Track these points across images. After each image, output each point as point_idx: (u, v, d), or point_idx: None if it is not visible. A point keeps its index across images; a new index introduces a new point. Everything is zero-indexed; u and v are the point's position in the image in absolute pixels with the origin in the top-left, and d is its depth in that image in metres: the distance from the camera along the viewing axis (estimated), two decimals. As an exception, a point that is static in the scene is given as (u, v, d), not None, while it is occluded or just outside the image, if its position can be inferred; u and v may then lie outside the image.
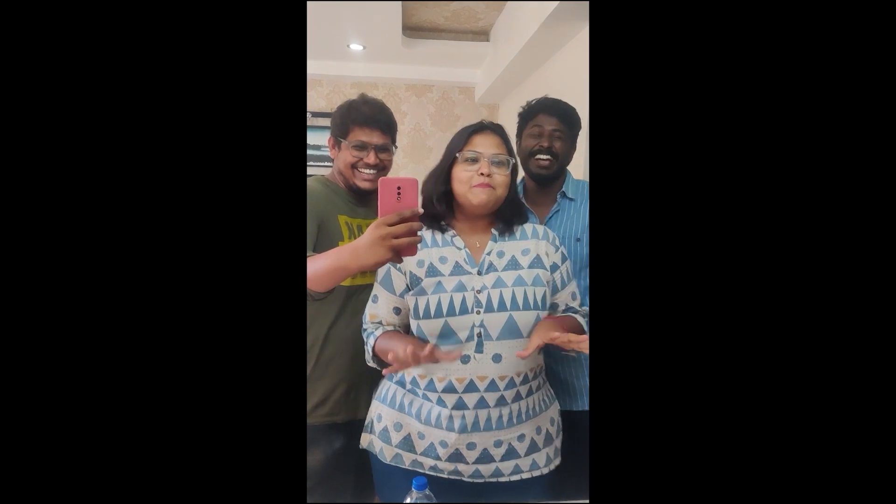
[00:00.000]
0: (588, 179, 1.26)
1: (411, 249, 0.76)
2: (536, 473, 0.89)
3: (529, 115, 1.16)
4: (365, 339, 0.91)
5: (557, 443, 0.93)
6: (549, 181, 1.13)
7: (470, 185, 0.87)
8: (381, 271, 0.91)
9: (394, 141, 1.15)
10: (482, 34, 3.15)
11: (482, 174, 0.86)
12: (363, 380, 1.05)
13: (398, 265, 0.90)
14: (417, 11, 2.86)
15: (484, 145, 0.89)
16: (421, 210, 0.78)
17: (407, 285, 0.90)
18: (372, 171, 1.10)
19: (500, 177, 0.88)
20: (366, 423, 0.96)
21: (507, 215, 0.93)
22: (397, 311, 0.91)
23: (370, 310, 0.93)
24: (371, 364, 0.90)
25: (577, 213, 1.13)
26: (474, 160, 0.88)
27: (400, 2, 2.44)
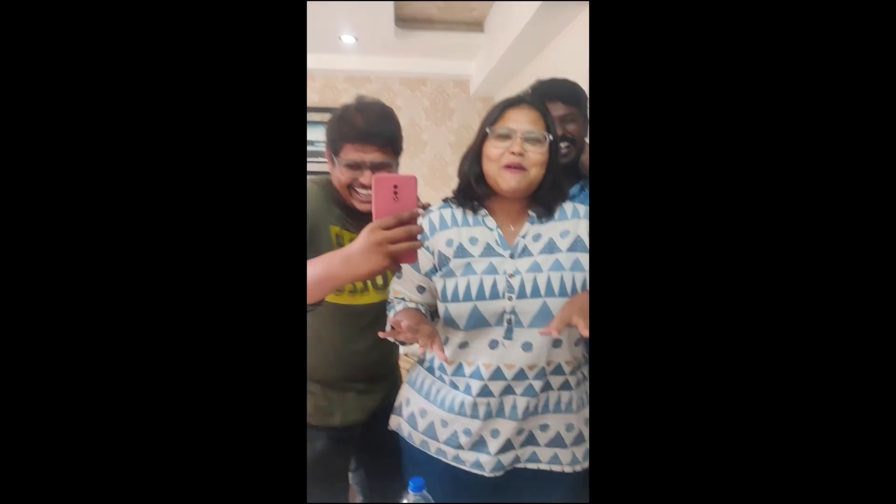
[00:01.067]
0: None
1: (411, 255, 0.69)
2: (556, 468, 0.85)
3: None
4: (387, 312, 0.87)
5: None
6: (571, 166, 1.08)
7: (500, 164, 0.81)
8: None
9: (397, 153, 0.98)
10: (476, 25, 3.09)
11: (513, 153, 0.79)
12: (337, 389, 1.00)
13: (426, 243, 0.84)
14: (410, 2, 2.81)
15: (518, 120, 0.81)
16: (421, 211, 0.73)
17: (434, 266, 0.85)
18: (370, 192, 0.90)
19: (535, 155, 0.81)
20: (395, 404, 0.93)
21: (547, 199, 0.85)
22: (421, 289, 0.87)
23: (394, 285, 0.89)
24: (390, 338, 0.87)
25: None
26: (506, 136, 0.81)
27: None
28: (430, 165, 3.70)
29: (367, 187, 0.92)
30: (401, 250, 0.66)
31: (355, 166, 0.92)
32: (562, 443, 0.86)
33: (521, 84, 1.65)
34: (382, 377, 1.06)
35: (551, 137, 0.82)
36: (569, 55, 2.13)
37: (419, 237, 0.67)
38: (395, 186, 0.68)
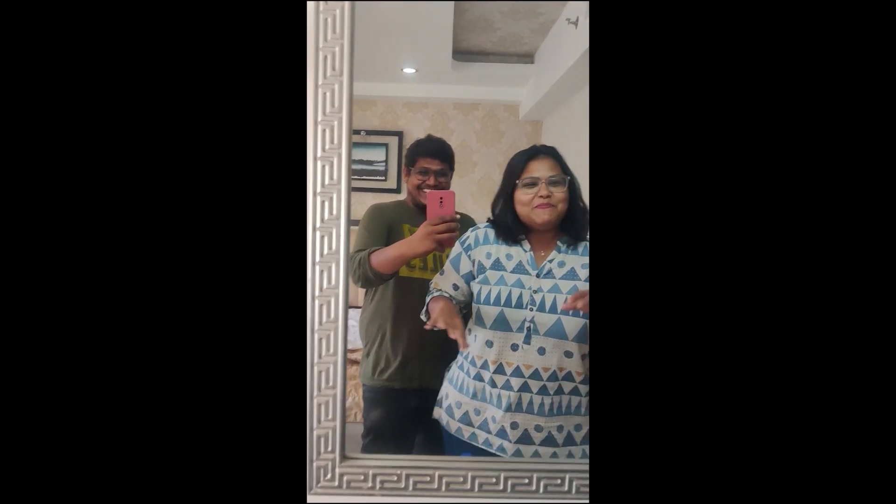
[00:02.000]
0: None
1: (450, 242, 1.11)
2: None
3: None
4: (426, 297, 1.18)
5: None
6: None
7: (532, 206, 1.06)
8: (454, 252, 1.17)
9: (451, 167, 1.47)
10: (527, 57, 3.31)
11: (542, 196, 1.04)
12: (417, 357, 1.35)
13: (469, 253, 1.16)
14: (467, 37, 3.07)
15: (540, 169, 1.07)
16: (457, 215, 1.09)
17: (471, 272, 1.14)
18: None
19: (559, 194, 1.07)
20: (438, 398, 1.22)
21: (571, 228, 1.10)
22: (455, 287, 1.16)
23: (436, 278, 1.20)
24: (422, 318, 1.11)
25: None
26: (533, 184, 1.05)
27: (453, 7, 2.67)
28: (479, 184, 3.89)
29: (431, 187, 1.40)
30: (443, 238, 1.08)
31: (424, 172, 1.43)
32: (573, 441, 1.09)
33: (567, 110, 1.81)
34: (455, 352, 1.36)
35: (568, 178, 1.07)
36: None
37: (463, 247, 0.97)
38: (441, 198, 1.09)
